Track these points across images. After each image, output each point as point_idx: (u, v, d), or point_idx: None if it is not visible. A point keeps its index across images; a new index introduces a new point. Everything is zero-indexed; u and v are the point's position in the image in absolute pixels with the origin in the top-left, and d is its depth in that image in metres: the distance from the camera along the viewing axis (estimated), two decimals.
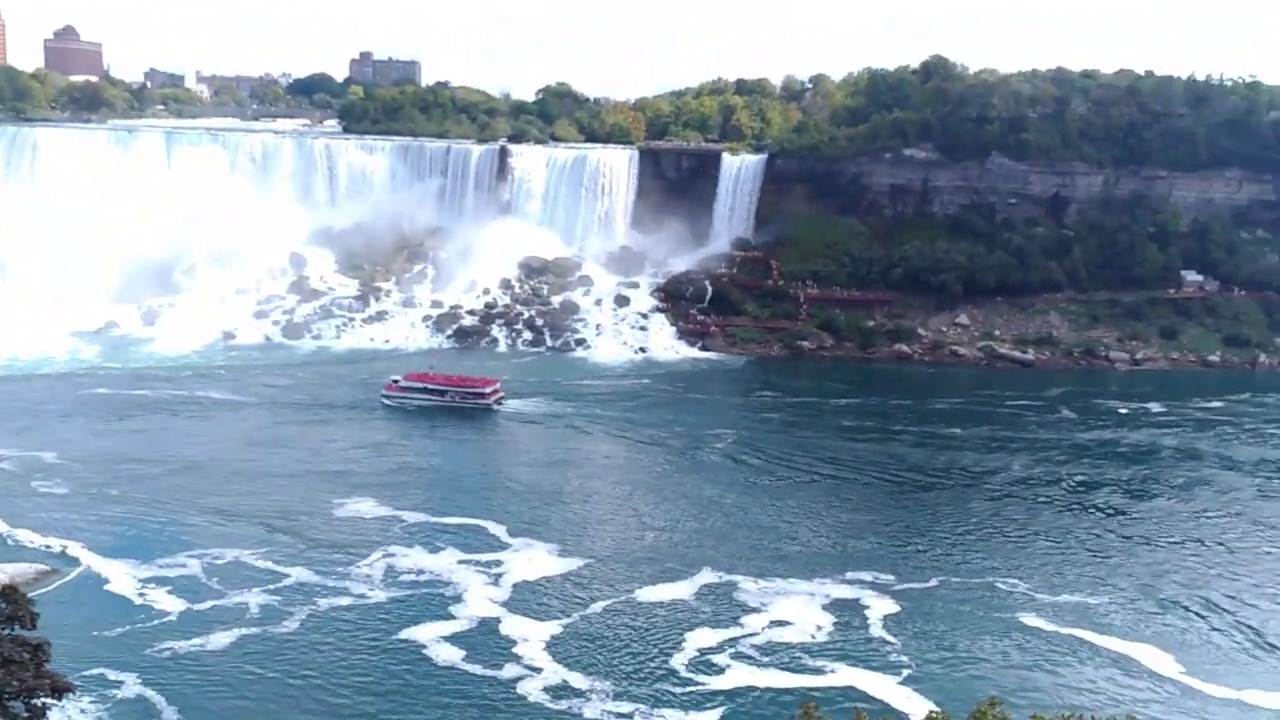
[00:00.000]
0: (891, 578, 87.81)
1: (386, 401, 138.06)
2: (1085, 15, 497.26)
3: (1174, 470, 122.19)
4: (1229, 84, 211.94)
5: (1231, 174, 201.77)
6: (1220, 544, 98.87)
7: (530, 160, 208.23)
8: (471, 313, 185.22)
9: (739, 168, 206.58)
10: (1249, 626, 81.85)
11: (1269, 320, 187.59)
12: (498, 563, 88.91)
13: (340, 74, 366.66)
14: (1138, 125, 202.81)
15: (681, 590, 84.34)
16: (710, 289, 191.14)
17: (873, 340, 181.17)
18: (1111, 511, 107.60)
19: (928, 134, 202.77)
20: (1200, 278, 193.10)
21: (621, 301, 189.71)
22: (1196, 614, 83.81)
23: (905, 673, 72.98)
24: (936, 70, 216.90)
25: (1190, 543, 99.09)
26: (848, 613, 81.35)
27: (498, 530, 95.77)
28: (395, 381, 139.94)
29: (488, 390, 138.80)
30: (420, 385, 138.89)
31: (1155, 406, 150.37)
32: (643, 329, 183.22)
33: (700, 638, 76.48)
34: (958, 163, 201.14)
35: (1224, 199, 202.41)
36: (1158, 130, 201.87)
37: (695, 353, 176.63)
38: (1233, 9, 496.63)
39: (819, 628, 78.73)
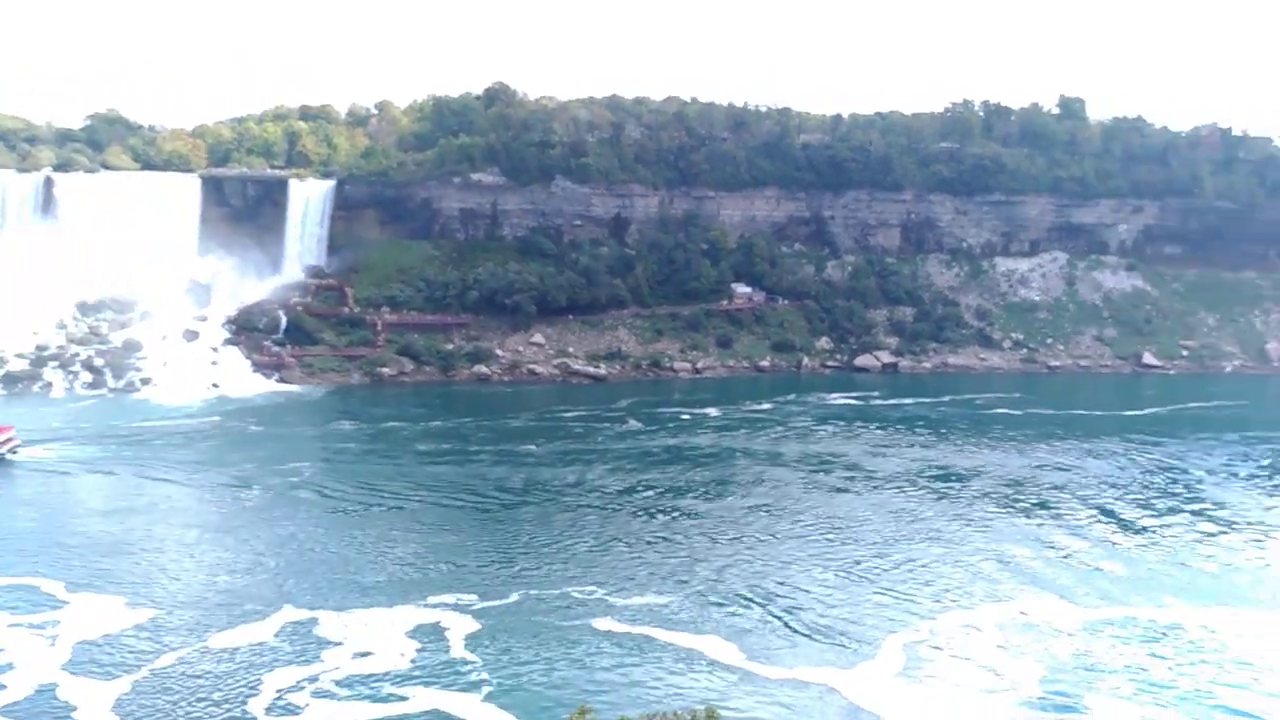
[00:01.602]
0: (473, 597, 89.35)
1: None
2: (635, 44, 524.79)
3: (732, 469, 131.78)
4: (764, 110, 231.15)
5: (770, 193, 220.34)
6: (771, 536, 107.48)
7: (80, 191, 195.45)
8: (20, 356, 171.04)
9: (308, 194, 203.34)
10: (796, 610, 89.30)
11: (809, 326, 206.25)
12: (54, 622, 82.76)
13: None
14: (687, 149, 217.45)
15: (260, 631, 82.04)
16: (285, 319, 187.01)
17: (452, 363, 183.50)
18: (677, 513, 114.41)
19: (494, 159, 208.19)
20: (749, 290, 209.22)
21: (190, 336, 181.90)
22: (752, 603, 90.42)
23: (488, 690, 74.44)
24: (499, 96, 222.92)
25: (746, 536, 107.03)
26: (430, 637, 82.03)
27: (53, 587, 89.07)
28: None
29: None
30: None
31: (714, 411, 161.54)
32: (214, 364, 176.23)
33: (280, 678, 74.81)
34: (524, 186, 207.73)
35: (765, 216, 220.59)
36: (704, 153, 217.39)
37: (273, 385, 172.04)
38: (766, 41, 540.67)
39: (402, 655, 78.97)
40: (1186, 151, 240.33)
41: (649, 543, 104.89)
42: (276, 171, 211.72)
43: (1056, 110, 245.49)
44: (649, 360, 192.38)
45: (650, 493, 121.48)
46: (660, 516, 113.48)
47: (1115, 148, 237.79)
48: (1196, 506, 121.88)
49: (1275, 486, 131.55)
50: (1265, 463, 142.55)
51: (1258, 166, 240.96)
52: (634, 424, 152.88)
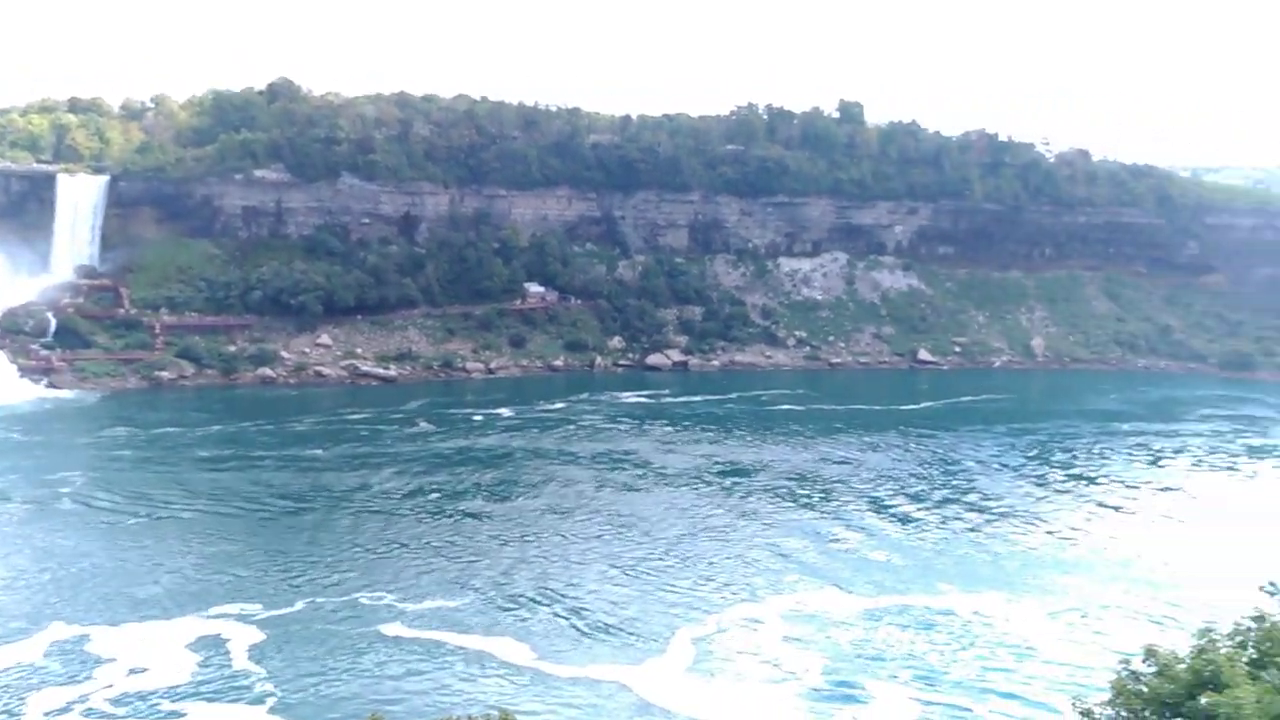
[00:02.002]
0: (257, 607, 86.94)
1: None
2: (422, 41, 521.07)
3: (524, 469, 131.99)
4: (554, 110, 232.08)
5: (561, 193, 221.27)
6: (560, 536, 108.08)
7: None
8: None
9: (78, 191, 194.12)
10: (586, 609, 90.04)
11: (602, 325, 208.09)
12: None
13: None
14: (477, 147, 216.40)
15: (24, 651, 77.61)
16: (54, 321, 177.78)
17: (235, 366, 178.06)
18: (469, 515, 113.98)
19: (278, 155, 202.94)
20: (542, 289, 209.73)
21: None
22: (542, 604, 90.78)
23: (273, 702, 72.56)
24: (282, 92, 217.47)
25: (536, 537, 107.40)
26: (211, 649, 79.43)
27: None
28: None
29: None
30: None
31: (507, 412, 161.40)
32: None
33: (46, 699, 71.10)
34: (310, 183, 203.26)
35: (557, 215, 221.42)
36: (495, 152, 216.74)
37: (41, 391, 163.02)
38: (553, 40, 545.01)
39: (181, 669, 76.19)
40: (957, 155, 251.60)
41: (439, 546, 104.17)
42: (44, 166, 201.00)
43: (836, 114, 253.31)
44: (440, 361, 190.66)
45: (440, 495, 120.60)
46: (450, 519, 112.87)
47: (892, 151, 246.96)
48: (969, 497, 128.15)
49: (1041, 477, 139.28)
50: (1032, 454, 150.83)
51: (1022, 171, 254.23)
52: (424, 426, 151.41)
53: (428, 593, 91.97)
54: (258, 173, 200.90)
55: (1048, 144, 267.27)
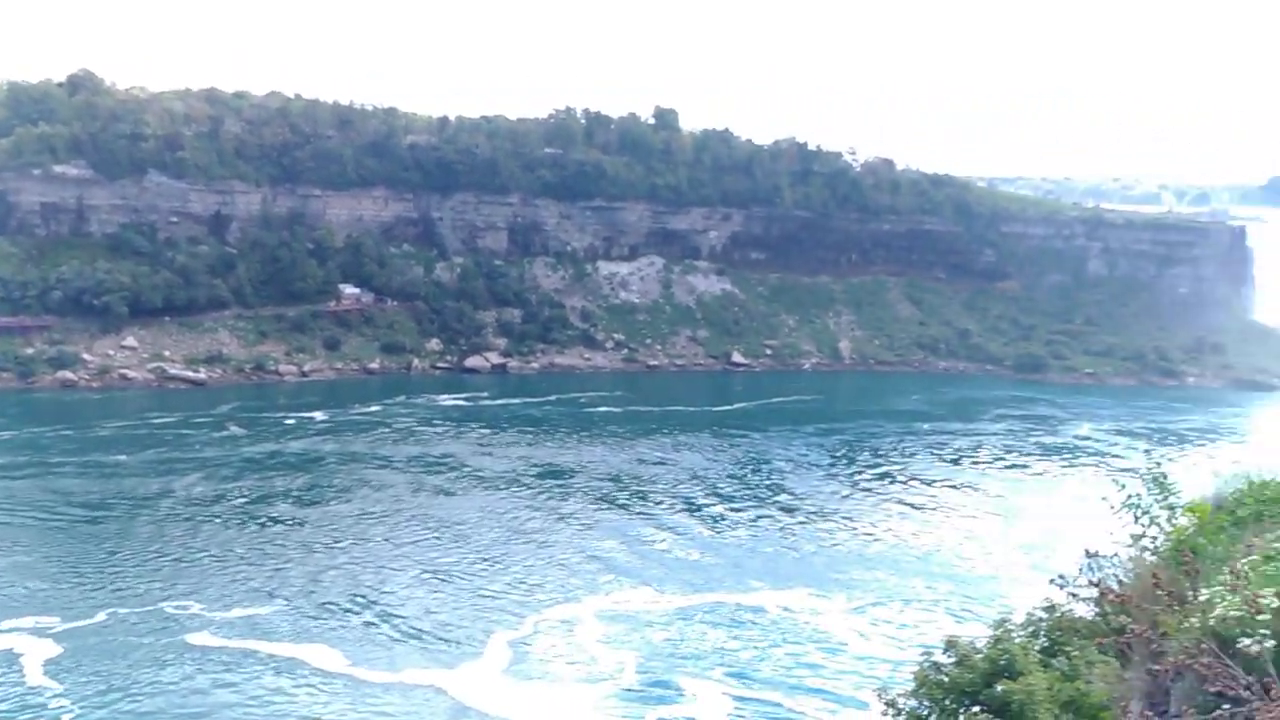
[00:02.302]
0: (54, 620, 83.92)
1: None
2: (234, 39, 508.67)
3: (336, 474, 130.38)
4: (370, 109, 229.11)
5: (378, 193, 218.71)
6: (374, 541, 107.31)
7: None
8: None
9: None
10: (400, 615, 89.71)
11: (419, 327, 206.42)
12: None
13: None
14: (291, 145, 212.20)
15: None
16: None
17: (33, 369, 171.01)
18: (279, 521, 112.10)
19: (80, 150, 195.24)
20: (358, 290, 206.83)
21: None
22: (354, 609, 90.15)
23: (70, 718, 70.59)
24: (84, 84, 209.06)
25: (348, 542, 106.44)
26: (3, 666, 76.37)
27: None
28: None
29: None
30: None
31: (320, 415, 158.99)
32: None
33: None
34: (114, 180, 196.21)
35: (373, 216, 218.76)
36: (309, 151, 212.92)
37: None
38: (368, 39, 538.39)
39: None
40: (769, 163, 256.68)
41: (246, 553, 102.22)
42: None
43: (652, 120, 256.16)
44: (252, 364, 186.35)
45: (249, 501, 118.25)
46: (259, 525, 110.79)
47: (706, 158, 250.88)
48: (779, 496, 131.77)
49: (847, 476, 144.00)
50: (839, 453, 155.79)
51: (830, 179, 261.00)
52: (234, 430, 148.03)
53: (235, 601, 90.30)
54: (57, 168, 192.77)
55: (854, 153, 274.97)
